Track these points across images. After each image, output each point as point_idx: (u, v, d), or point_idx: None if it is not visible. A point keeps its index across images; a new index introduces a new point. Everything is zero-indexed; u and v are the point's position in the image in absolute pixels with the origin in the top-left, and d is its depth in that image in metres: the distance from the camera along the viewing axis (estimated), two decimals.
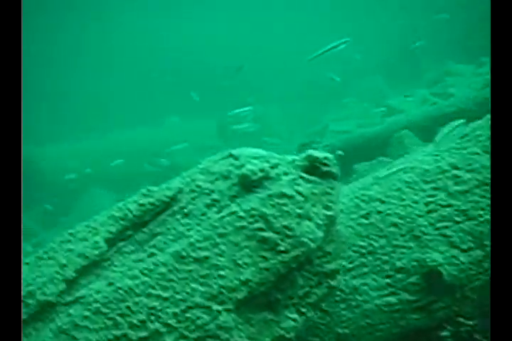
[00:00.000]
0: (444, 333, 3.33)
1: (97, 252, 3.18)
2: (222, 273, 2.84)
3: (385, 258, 3.45)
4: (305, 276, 2.96)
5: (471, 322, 3.32)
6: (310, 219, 2.99)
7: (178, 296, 2.81)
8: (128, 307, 2.83)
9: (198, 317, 2.72)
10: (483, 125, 3.99)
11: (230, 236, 2.97)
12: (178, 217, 3.20)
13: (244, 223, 2.99)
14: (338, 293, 3.47)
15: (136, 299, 2.85)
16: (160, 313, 2.76)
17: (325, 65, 21.94)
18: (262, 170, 3.14)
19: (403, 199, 3.72)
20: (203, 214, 3.13)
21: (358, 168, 8.59)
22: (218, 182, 3.20)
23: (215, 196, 3.16)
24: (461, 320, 3.31)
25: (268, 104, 20.80)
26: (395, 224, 3.57)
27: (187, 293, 2.80)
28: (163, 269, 2.94)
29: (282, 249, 2.89)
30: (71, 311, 2.92)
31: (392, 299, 3.33)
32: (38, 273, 3.20)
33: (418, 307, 3.30)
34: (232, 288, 2.77)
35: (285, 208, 3.00)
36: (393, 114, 13.18)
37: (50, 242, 3.52)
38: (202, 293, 2.78)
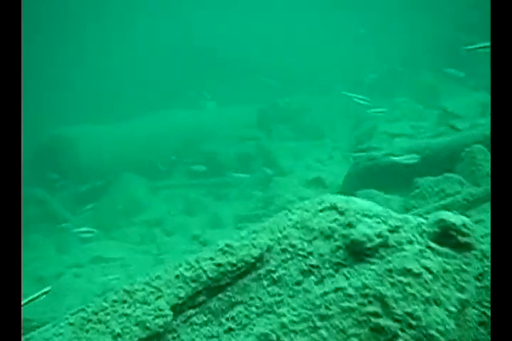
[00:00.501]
0: None
1: (160, 322, 2.52)
2: None
3: None
4: None
5: None
6: (439, 304, 2.30)
7: None
8: None
9: None
10: None
11: (335, 320, 2.29)
12: (265, 283, 2.53)
13: (354, 304, 2.31)
14: None
15: None
16: None
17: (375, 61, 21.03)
18: (379, 236, 2.43)
19: None
20: (298, 284, 2.46)
21: (421, 183, 7.81)
22: (318, 242, 2.52)
23: (313, 261, 2.48)
24: None
25: (313, 94, 19.97)
26: None
27: None
28: None
29: None
30: None
31: None
32: None
33: None
34: None
35: (409, 289, 2.31)
36: (449, 118, 12.26)
37: (100, 299, 2.86)
38: None
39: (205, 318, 2.53)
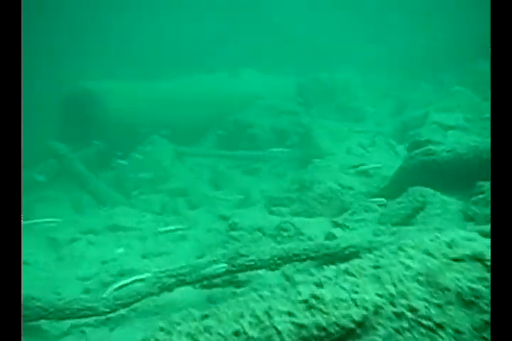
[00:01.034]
0: None
1: None
2: None
3: None
4: None
5: None
6: None
7: None
8: None
9: None
10: None
11: None
12: None
13: None
14: None
15: None
16: None
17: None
18: None
19: None
20: None
21: (488, 188, 6.91)
22: (453, 310, 1.69)
23: (445, 338, 1.66)
24: None
25: (350, 70, 18.86)
26: None
27: None
28: None
29: None
30: None
31: None
32: None
33: None
34: None
35: None
36: None
37: None
38: None
39: None
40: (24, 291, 7.38)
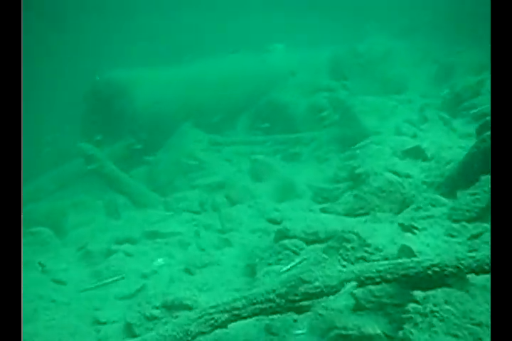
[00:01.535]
0: None
1: None
2: None
3: None
4: None
5: None
6: None
7: None
8: None
9: None
10: None
11: None
12: None
13: None
14: None
15: None
16: None
17: None
18: None
19: None
20: None
21: None
22: None
23: None
24: None
25: (387, 38, 17.45)
26: None
27: None
28: None
29: None
30: None
31: None
32: None
33: None
34: None
35: None
36: None
37: None
38: None
39: None
40: (61, 321, 6.74)
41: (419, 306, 4.07)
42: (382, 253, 5.26)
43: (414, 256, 4.83)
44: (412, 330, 3.89)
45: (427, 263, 4.39)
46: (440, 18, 16.49)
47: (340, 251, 5.42)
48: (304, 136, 13.15)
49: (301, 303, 4.77)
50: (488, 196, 6.06)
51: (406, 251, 4.94)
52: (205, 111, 14.77)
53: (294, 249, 6.25)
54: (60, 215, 10.35)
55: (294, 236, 6.52)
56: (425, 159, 8.55)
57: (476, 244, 5.18)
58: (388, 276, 4.46)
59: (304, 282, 4.56)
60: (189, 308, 5.57)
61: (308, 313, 5.00)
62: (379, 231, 5.56)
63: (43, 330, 6.13)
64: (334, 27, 18.42)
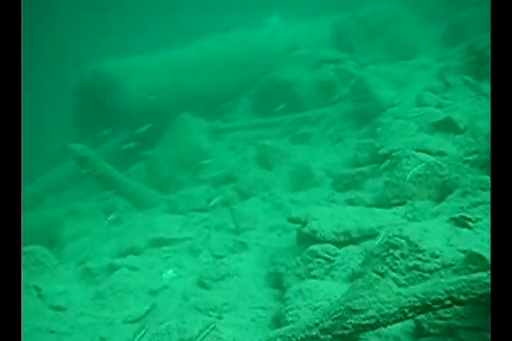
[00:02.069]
0: None
1: None
2: None
3: None
4: None
5: None
6: None
7: None
8: None
9: None
10: None
11: None
12: None
13: None
14: None
15: None
16: None
17: None
18: None
19: None
20: None
21: None
22: None
23: None
24: None
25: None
26: None
27: None
28: None
29: None
30: None
31: None
32: None
33: None
34: None
35: None
36: None
37: None
38: None
39: None
40: None
41: None
42: (439, 260, 4.23)
43: (487, 263, 3.80)
44: None
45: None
46: None
47: (387, 260, 4.39)
48: (312, 114, 12.05)
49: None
50: None
51: (474, 259, 3.90)
52: (203, 96, 13.73)
53: (327, 256, 5.22)
54: (55, 226, 9.37)
55: (324, 240, 5.49)
56: (458, 132, 7.47)
57: None
58: (462, 298, 3.44)
59: (354, 311, 3.54)
60: None
61: None
62: (429, 230, 4.52)
63: None
64: None
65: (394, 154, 6.46)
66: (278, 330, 3.76)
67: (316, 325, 3.59)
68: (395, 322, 3.56)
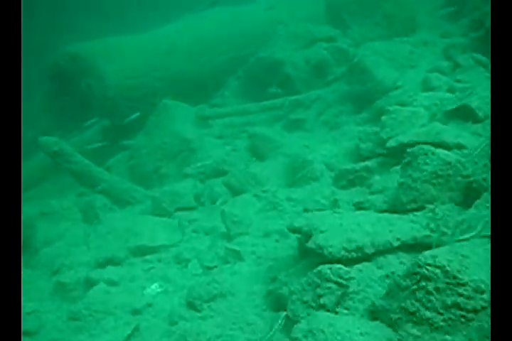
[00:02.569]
0: None
1: None
2: None
3: None
4: None
5: None
6: None
7: None
8: None
9: None
10: None
11: None
12: None
13: None
14: None
15: None
16: None
17: None
18: None
19: None
20: None
21: None
22: None
23: None
24: None
25: None
26: None
27: None
28: None
29: None
30: None
31: None
32: None
33: None
34: None
35: None
36: None
37: None
38: None
39: None
40: None
41: None
42: (485, 297, 3.39)
43: None
44: None
45: None
46: None
47: (419, 295, 3.55)
48: (305, 96, 11.11)
49: None
50: None
51: None
52: (187, 79, 12.73)
53: (339, 280, 4.37)
54: (26, 228, 8.43)
55: (333, 257, 4.64)
56: (476, 121, 6.61)
57: None
58: None
59: None
60: None
61: None
62: (469, 257, 3.67)
63: None
64: None
65: (409, 150, 5.56)
66: None
67: None
68: None
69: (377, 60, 10.13)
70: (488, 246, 3.88)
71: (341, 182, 7.28)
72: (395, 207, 5.51)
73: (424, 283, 3.56)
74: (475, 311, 3.40)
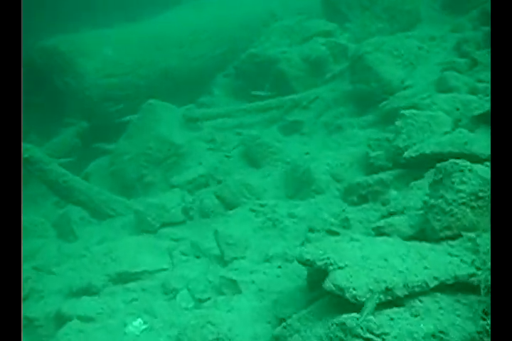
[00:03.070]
0: None
1: None
2: None
3: None
4: None
5: None
6: None
7: None
8: None
9: None
10: None
11: None
12: None
13: None
14: None
15: None
16: None
17: None
18: None
19: None
20: None
21: None
22: None
23: None
24: None
25: None
26: None
27: None
28: None
29: None
30: None
31: None
32: None
33: None
34: None
35: None
36: None
37: None
38: None
39: None
40: None
41: None
42: None
43: None
44: None
45: None
46: None
47: None
48: (302, 96, 10.22)
49: None
50: None
51: None
52: (174, 77, 11.79)
53: (369, 336, 3.47)
54: None
55: (357, 301, 3.74)
56: None
57: None
58: None
59: None
60: None
61: None
62: None
63: None
64: None
65: (440, 166, 4.67)
66: None
67: None
68: None
69: (381, 56, 9.22)
70: None
71: (351, 197, 6.39)
72: (425, 234, 4.63)
73: None
74: None
